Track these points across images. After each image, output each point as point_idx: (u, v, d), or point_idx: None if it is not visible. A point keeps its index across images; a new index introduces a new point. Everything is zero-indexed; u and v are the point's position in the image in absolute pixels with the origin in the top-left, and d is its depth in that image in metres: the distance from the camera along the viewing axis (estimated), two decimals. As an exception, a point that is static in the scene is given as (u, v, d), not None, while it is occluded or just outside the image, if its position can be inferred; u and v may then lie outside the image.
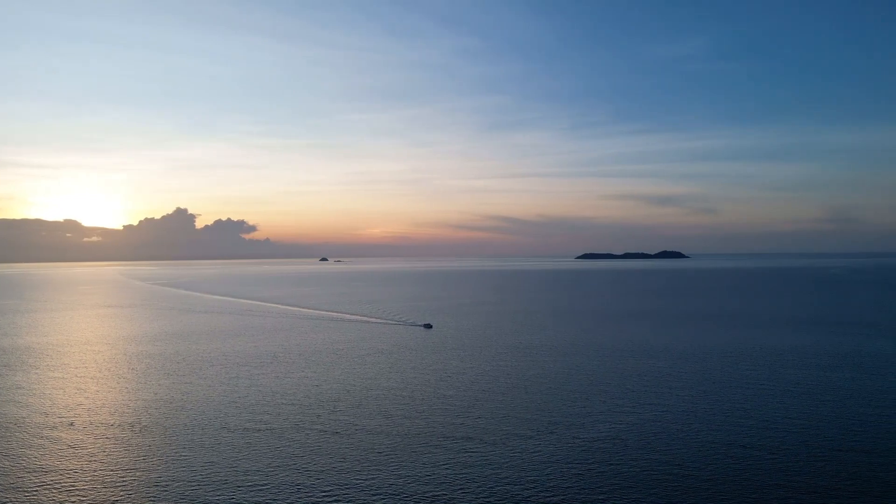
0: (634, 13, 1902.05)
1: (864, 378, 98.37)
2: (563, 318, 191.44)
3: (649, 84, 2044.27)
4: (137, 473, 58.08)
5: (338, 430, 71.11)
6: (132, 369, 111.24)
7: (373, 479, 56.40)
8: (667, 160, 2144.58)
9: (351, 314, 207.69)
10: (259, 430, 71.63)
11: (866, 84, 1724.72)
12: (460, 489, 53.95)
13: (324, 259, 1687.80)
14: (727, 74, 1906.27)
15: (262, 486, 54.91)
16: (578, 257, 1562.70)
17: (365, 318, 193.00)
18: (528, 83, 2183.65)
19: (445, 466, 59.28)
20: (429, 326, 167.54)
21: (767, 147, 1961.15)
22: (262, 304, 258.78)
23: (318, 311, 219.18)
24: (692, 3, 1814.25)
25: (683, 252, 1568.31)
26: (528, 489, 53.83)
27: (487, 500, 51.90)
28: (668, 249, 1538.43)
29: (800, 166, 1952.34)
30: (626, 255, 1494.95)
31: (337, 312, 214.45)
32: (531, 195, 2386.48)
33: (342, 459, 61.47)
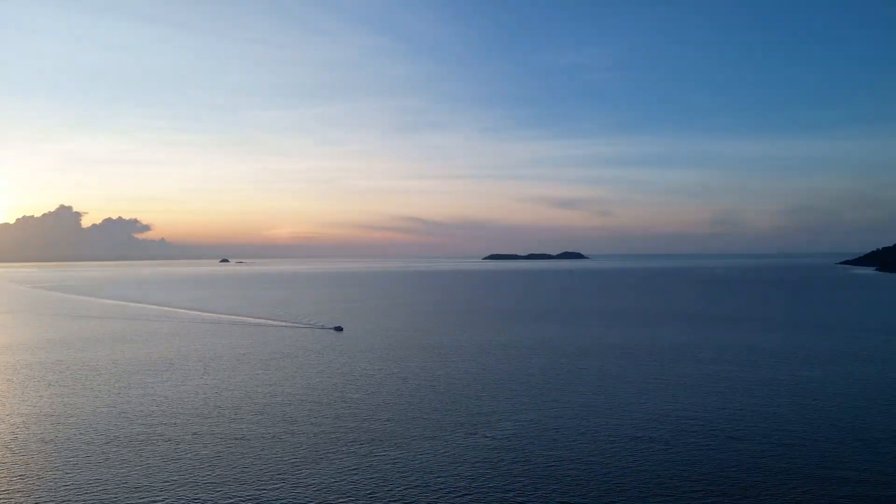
0: (537, 23, 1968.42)
1: (746, 370, 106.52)
2: (472, 319, 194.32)
3: (553, 91, 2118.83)
4: (15, 496, 53.05)
5: (239, 438, 68.35)
6: (8, 381, 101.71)
7: (276, 487, 54.61)
8: (569, 165, 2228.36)
9: (254, 317, 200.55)
10: (152, 441, 67.51)
11: (747, 98, 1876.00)
12: (367, 493, 53.33)
13: (225, 260, 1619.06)
14: (623, 84, 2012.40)
15: (154, 502, 51.72)
16: (486, 258, 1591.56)
17: (270, 322, 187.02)
18: (437, 86, 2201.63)
19: (352, 471, 58.42)
20: (339, 329, 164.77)
21: (660, 154, 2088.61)
22: (157, 307, 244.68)
23: (217, 315, 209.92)
24: (592, 16, 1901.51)
25: (583, 253, 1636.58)
26: (435, 490, 54.05)
27: (395, 503, 51.61)
28: (569, 250, 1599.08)
29: (689, 172, 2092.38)
30: (531, 256, 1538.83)
31: (239, 316, 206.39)
32: (440, 196, 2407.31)
33: (243, 469, 59.10)
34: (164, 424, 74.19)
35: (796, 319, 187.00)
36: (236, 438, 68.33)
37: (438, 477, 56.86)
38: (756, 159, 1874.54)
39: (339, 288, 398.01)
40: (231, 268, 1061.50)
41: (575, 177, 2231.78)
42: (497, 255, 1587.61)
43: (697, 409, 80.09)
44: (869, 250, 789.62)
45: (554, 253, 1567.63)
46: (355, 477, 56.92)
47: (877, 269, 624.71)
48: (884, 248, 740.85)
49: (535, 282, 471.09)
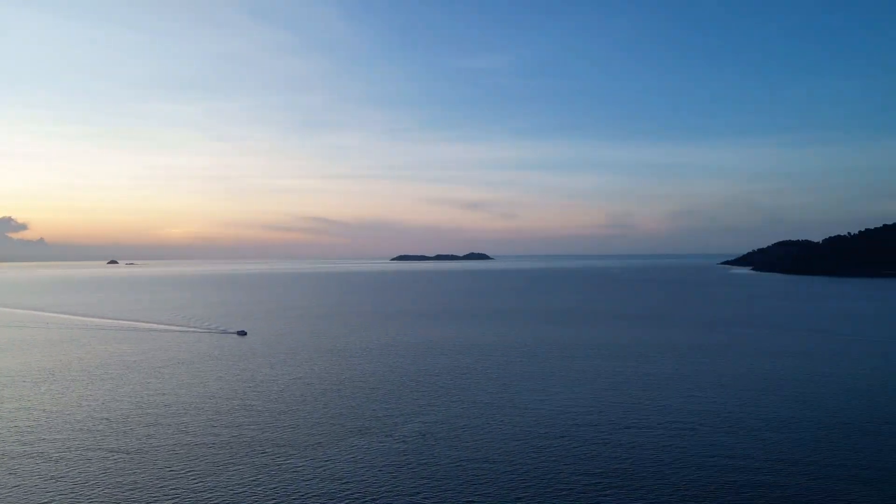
0: (443, 26, 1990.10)
1: (639, 364, 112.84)
2: (379, 320, 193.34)
3: (460, 95, 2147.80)
4: None
5: (129, 452, 64.27)
6: None
7: (170, 502, 51.83)
8: (475, 168, 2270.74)
9: (147, 322, 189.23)
10: (29, 457, 62.12)
11: (640, 107, 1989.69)
12: (269, 501, 51.77)
13: (113, 262, 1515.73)
14: (528, 91, 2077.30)
15: (31, 524, 47.62)
16: (394, 259, 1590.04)
17: (165, 327, 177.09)
18: (341, 84, 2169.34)
19: (253, 481, 56.50)
20: (242, 333, 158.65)
21: (561, 158, 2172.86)
22: (34, 313, 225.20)
23: (104, 320, 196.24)
24: (498, 23, 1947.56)
25: (489, 254, 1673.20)
26: (340, 496, 53.34)
27: (298, 509, 50.44)
28: (475, 252, 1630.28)
29: (587, 177, 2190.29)
30: (438, 257, 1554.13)
31: (129, 321, 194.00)
32: (346, 196, 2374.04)
33: (135, 486, 55.63)
34: (44, 440, 68.47)
35: (682, 316, 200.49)
36: (126, 453, 64.23)
37: (343, 483, 56.17)
38: (647, 165, 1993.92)
39: (241, 290, 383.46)
40: (120, 270, 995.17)
41: (481, 179, 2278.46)
42: (405, 255, 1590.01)
43: (594, 403, 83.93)
44: (746, 251, 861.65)
45: (461, 254, 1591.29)
46: (257, 487, 55.10)
47: (752, 269, 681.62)
48: (758, 250, 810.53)
49: (442, 282, 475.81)
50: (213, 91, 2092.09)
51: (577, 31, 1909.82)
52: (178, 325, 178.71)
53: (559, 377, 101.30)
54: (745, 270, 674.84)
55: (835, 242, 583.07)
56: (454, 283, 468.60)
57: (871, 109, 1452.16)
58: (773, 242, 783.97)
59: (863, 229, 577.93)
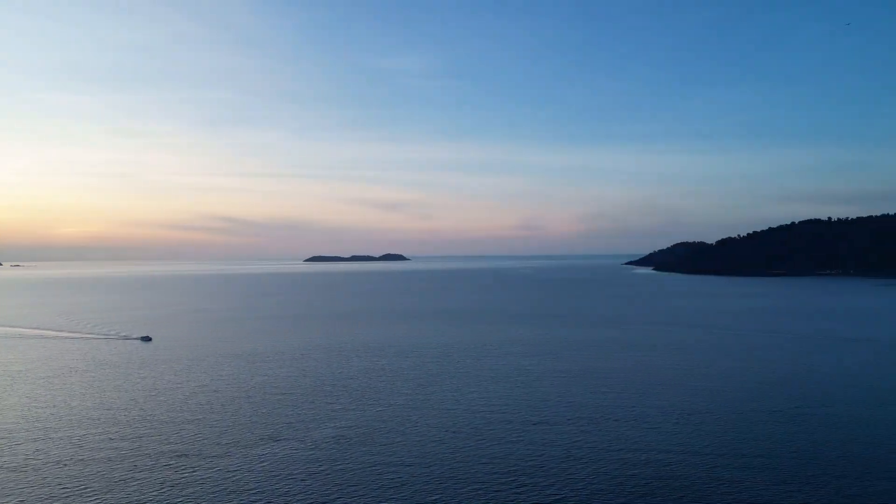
0: (362, 25, 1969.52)
1: (547, 361, 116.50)
2: (291, 322, 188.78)
3: (376, 94, 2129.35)
4: None
5: (15, 469, 59.36)
6: None
7: (62, 520, 48.32)
8: (391, 168, 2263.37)
9: (36, 329, 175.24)
10: None
11: (553, 111, 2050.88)
12: (173, 515, 49.38)
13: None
14: (447, 92, 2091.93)
15: None
16: (307, 260, 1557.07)
17: (59, 334, 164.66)
18: (254, 80, 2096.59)
19: (154, 494, 53.67)
20: (147, 339, 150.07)
21: (477, 161, 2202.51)
22: None
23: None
24: (415, 23, 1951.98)
25: (406, 255, 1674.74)
26: (248, 500, 51.69)
27: (205, 521, 48.43)
28: (391, 253, 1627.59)
29: (502, 179, 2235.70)
30: (354, 258, 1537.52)
31: (18, 327, 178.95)
32: (258, 196, 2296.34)
33: (20, 502, 51.47)
34: (-89, 461, 61.93)
35: (589, 314, 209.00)
36: (12, 469, 59.29)
37: (253, 493, 54.45)
38: (559, 169, 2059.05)
39: (146, 294, 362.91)
40: (5, 272, 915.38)
41: (397, 180, 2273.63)
42: (319, 256, 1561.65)
43: (507, 401, 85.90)
44: (648, 252, 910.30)
45: (377, 255, 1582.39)
46: (154, 495, 52.39)
47: (653, 269, 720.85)
48: (658, 251, 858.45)
49: (357, 284, 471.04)
50: (118, 82, 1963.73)
51: (493, 35, 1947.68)
52: (73, 332, 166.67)
53: (473, 376, 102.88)
54: (648, 270, 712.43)
55: (726, 244, 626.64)
56: (369, 284, 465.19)
57: (762, 120, 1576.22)
58: (672, 244, 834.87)
59: (751, 232, 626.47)
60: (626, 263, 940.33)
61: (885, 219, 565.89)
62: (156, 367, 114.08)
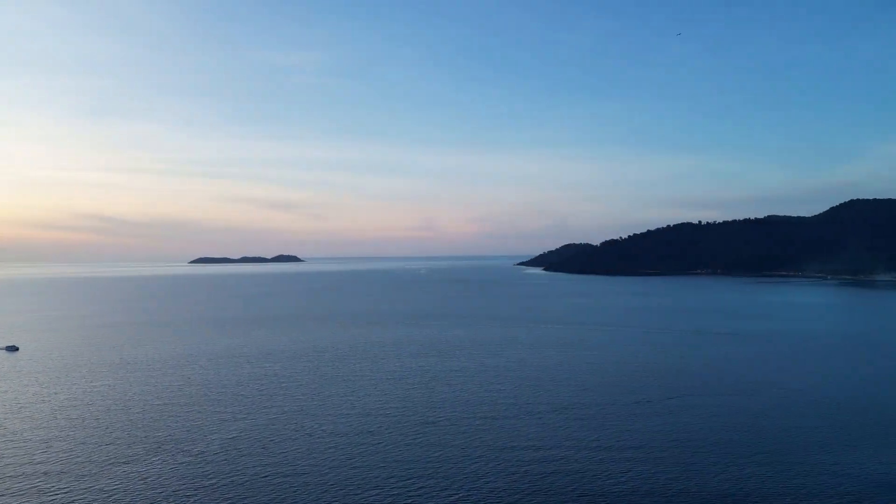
0: (251, 19, 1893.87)
1: (444, 361, 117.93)
2: (175, 328, 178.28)
3: (268, 90, 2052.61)
4: None
5: None
6: None
7: None
8: (284, 167, 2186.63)
9: None
10: None
11: (447, 114, 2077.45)
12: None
13: None
14: (340, 91, 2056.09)
15: None
16: (193, 261, 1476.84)
17: None
18: (134, 69, 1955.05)
19: (18, 518, 48.77)
20: (13, 349, 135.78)
21: (371, 161, 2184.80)
22: None
23: None
24: (310, 19, 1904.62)
25: (299, 256, 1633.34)
26: (129, 522, 48.26)
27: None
28: (284, 254, 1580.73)
29: (397, 180, 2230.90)
30: (244, 260, 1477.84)
31: None
32: (138, 193, 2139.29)
33: None
34: None
35: (482, 313, 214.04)
36: None
37: (131, 502, 50.92)
38: (453, 171, 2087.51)
39: (12, 299, 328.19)
40: None
41: (289, 179, 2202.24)
42: (206, 258, 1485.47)
43: (404, 402, 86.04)
44: (538, 253, 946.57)
45: (269, 256, 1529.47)
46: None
47: (543, 269, 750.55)
48: (548, 252, 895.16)
49: (247, 286, 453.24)
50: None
51: (392, 35, 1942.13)
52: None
53: (369, 379, 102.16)
54: (538, 270, 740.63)
55: (609, 245, 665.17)
56: (260, 286, 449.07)
57: (641, 130, 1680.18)
58: (561, 245, 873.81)
59: (632, 234, 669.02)
60: (518, 264, 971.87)
61: (748, 223, 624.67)
62: (21, 378, 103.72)
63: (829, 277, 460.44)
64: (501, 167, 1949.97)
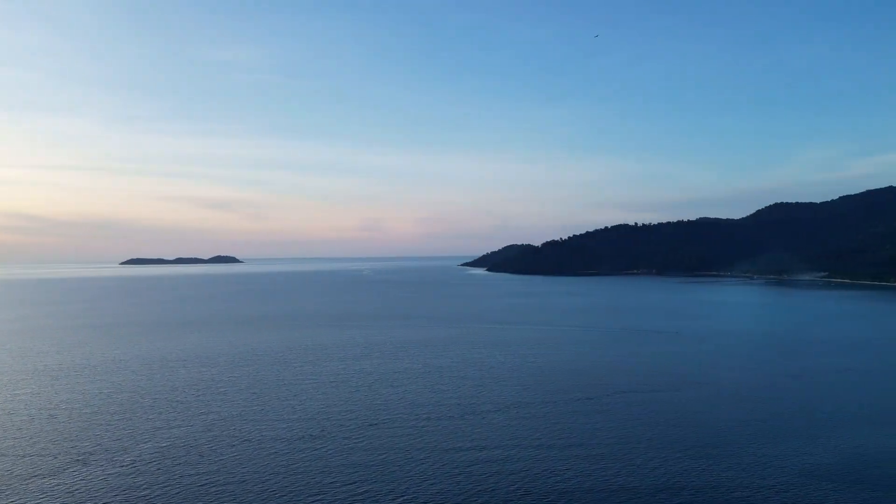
0: (191, 12, 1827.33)
1: (388, 363, 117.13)
2: (104, 332, 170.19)
3: (205, 87, 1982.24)
4: None
5: None
6: None
7: None
8: (222, 165, 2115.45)
9: None
10: None
11: (391, 116, 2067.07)
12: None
13: None
14: (279, 89, 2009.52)
15: None
16: (124, 263, 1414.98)
17: None
18: (60, 61, 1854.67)
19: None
20: None
21: (314, 160, 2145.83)
22: None
23: None
24: (250, 15, 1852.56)
25: (238, 257, 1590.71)
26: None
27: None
28: (222, 254, 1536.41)
29: (339, 180, 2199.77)
30: (179, 261, 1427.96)
31: None
32: (64, 191, 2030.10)
33: None
34: None
35: (426, 313, 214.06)
36: None
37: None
38: (398, 172, 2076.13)
39: None
40: None
41: (226, 177, 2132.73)
42: (138, 259, 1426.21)
43: (346, 405, 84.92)
44: (482, 254, 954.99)
45: (205, 257, 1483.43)
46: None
47: (486, 270, 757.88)
48: (491, 252, 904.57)
49: (182, 288, 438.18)
50: None
51: (336, 32, 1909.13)
52: None
53: (310, 382, 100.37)
54: (481, 271, 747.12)
55: (551, 246, 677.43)
56: (196, 288, 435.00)
57: (582, 132, 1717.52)
58: (503, 246, 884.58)
59: (571, 235, 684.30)
60: (462, 265, 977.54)
61: (681, 224, 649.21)
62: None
63: (755, 277, 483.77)
64: (447, 168, 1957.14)
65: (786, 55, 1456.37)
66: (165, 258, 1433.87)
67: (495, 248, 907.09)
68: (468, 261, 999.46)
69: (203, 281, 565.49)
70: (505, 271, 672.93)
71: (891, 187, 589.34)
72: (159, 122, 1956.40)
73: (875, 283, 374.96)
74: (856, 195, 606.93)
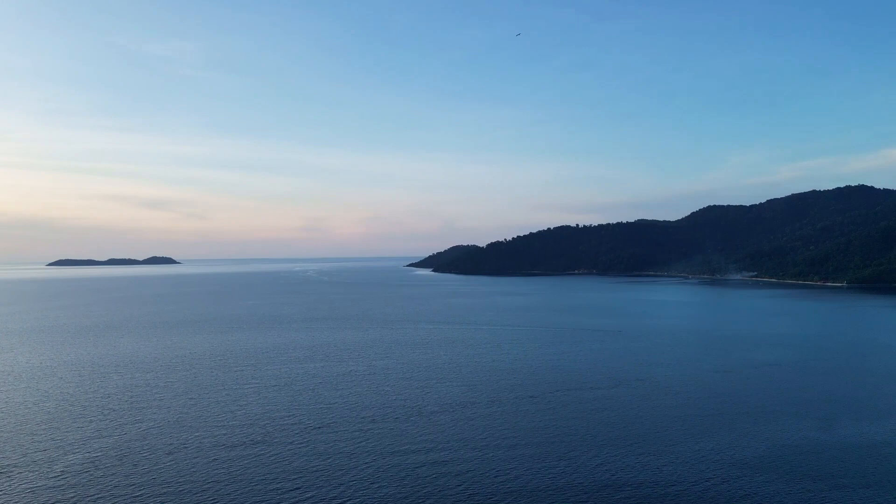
0: (125, 3, 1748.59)
1: (332, 365, 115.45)
2: (28, 338, 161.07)
3: (139, 81, 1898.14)
4: None
5: None
6: None
7: None
8: (155, 163, 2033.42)
9: None
10: None
11: (334, 115, 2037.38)
12: None
13: None
14: (220, 85, 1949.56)
15: None
16: (51, 264, 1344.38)
17: None
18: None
19: None
20: None
21: (256, 160, 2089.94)
22: None
23: None
24: (190, 8, 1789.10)
25: (175, 258, 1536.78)
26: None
27: None
28: (158, 255, 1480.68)
29: (282, 179, 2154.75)
30: (112, 262, 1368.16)
31: None
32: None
33: None
34: None
35: (373, 315, 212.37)
36: None
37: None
38: (342, 171, 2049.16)
39: None
40: None
41: (163, 175, 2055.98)
42: (68, 260, 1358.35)
43: (289, 408, 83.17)
44: (428, 254, 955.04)
45: (140, 258, 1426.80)
46: None
47: (432, 270, 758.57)
48: (437, 253, 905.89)
49: (115, 290, 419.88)
50: None
51: (280, 28, 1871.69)
52: None
53: (251, 386, 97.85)
54: (427, 272, 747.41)
55: (495, 247, 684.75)
56: (129, 290, 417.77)
57: (526, 134, 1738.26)
58: (449, 247, 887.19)
59: (515, 236, 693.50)
60: (408, 265, 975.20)
61: (620, 226, 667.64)
62: None
63: (690, 277, 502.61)
64: (392, 169, 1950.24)
65: (716, 64, 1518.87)
66: (97, 259, 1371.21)
67: (441, 249, 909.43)
68: (414, 261, 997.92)
69: (137, 282, 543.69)
70: (451, 272, 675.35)
71: (814, 191, 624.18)
72: (90, 118, 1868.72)
73: (799, 282, 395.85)
74: (782, 199, 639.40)
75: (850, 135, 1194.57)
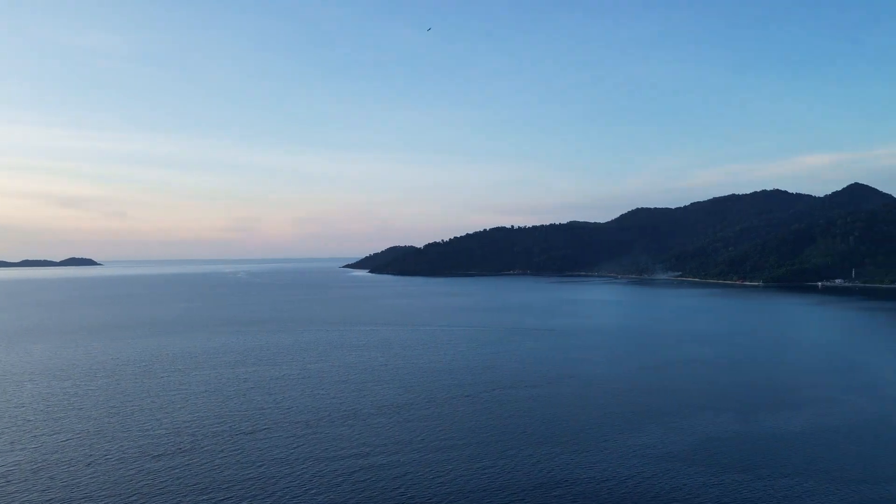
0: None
1: (264, 369, 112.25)
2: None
3: (60, 73, 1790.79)
4: None
5: None
6: None
7: None
8: (72, 158, 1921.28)
9: None
10: None
11: (264, 112, 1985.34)
12: None
13: None
14: (143, 79, 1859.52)
15: None
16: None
17: None
18: None
19: None
20: None
21: (182, 157, 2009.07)
22: None
23: None
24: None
25: (95, 259, 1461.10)
26: None
27: None
28: (77, 256, 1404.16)
29: (209, 177, 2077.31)
30: (26, 263, 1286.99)
31: None
32: None
33: None
34: None
35: (307, 317, 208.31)
36: None
37: None
38: (272, 170, 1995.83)
39: None
40: None
41: (80, 172, 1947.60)
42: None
43: (219, 414, 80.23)
44: (365, 255, 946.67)
45: (57, 259, 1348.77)
46: None
47: (369, 271, 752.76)
48: (374, 254, 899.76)
49: (29, 294, 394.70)
50: None
51: (210, 22, 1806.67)
52: None
53: (178, 392, 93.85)
54: (364, 273, 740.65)
55: (432, 248, 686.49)
56: (44, 293, 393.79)
57: (462, 136, 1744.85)
58: (386, 247, 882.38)
59: (452, 237, 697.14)
60: (344, 266, 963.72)
61: (553, 227, 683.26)
62: None
63: (619, 277, 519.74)
64: (326, 168, 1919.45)
65: (637, 73, 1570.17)
66: (9, 261, 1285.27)
67: (378, 250, 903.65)
68: (351, 262, 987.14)
69: (53, 285, 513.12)
70: (388, 272, 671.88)
71: (734, 195, 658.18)
72: (3, 111, 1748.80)
73: (720, 282, 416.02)
74: (704, 202, 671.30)
75: (767, 142, 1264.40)
